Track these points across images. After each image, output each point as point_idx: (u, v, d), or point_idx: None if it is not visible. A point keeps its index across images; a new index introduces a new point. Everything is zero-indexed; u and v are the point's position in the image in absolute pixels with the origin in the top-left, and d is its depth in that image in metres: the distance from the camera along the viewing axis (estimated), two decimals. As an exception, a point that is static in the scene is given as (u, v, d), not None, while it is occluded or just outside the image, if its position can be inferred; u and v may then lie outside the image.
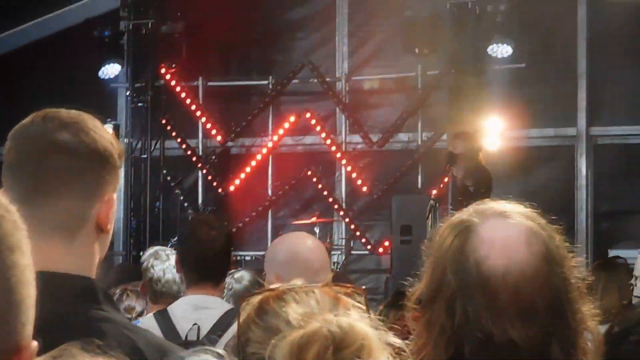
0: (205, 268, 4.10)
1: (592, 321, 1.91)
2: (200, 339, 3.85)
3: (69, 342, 1.78)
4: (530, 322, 1.84)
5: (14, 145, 2.00)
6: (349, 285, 1.68)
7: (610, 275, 6.13)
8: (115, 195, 2.06)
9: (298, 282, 1.62)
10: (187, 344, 3.33)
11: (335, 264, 12.44)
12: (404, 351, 1.55)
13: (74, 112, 2.05)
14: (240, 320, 1.60)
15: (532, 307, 1.85)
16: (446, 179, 11.37)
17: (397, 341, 1.53)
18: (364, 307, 1.59)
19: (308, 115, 13.21)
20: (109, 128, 12.73)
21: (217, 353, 1.55)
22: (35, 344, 1.00)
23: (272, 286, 1.63)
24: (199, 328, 3.88)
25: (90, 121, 2.04)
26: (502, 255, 1.88)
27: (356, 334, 1.44)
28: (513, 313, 1.84)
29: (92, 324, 1.91)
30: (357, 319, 1.49)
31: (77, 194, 1.98)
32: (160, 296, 4.99)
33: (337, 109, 13.36)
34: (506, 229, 1.94)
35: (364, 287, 1.71)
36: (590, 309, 1.92)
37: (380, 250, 12.61)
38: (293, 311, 1.54)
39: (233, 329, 3.83)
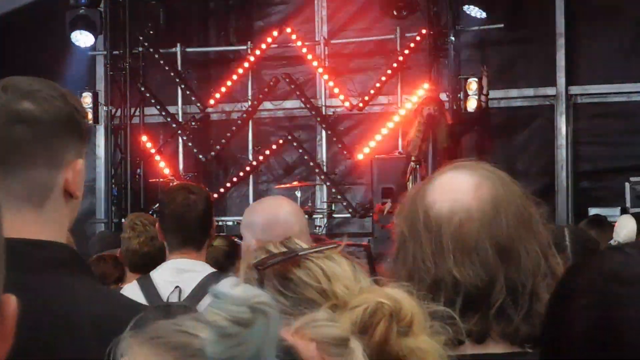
0: (185, 233, 4.12)
1: (557, 267, 1.94)
2: (181, 300, 3.86)
3: (40, 306, 1.80)
4: (475, 259, 1.87)
5: None
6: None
7: (600, 234, 6.11)
8: (81, 161, 2.04)
9: (302, 244, 1.61)
10: (168, 307, 3.36)
11: (318, 228, 12.48)
12: (454, 318, 1.54)
13: (34, 80, 2.01)
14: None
15: (476, 245, 1.88)
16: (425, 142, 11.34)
17: (440, 308, 1.52)
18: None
19: (287, 79, 13.19)
20: (87, 97, 12.76)
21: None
22: (13, 297, 1.01)
23: (281, 249, 1.60)
24: (180, 290, 3.90)
25: (52, 88, 2.02)
26: (448, 198, 1.92)
27: (407, 307, 1.42)
28: (457, 251, 1.87)
29: (63, 288, 1.91)
30: (402, 291, 1.46)
31: (42, 162, 1.96)
32: (138, 267, 5.00)
33: (317, 73, 13.33)
34: (457, 177, 1.97)
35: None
36: (554, 254, 1.94)
37: (371, 214, 12.59)
38: (330, 282, 1.51)
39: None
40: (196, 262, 4.08)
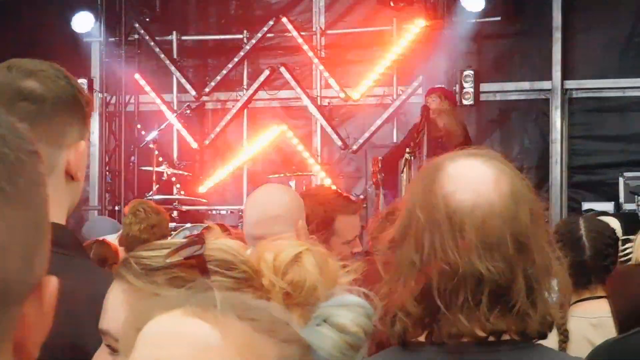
0: None
1: (557, 264, 1.94)
2: None
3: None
4: (497, 255, 1.86)
5: None
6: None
7: None
8: (83, 143, 2.04)
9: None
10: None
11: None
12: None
13: (39, 61, 2.04)
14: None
15: (498, 241, 1.87)
16: (420, 133, 11.34)
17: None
18: None
19: (283, 69, 13.16)
20: (82, 83, 12.72)
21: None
22: (54, 278, 1.00)
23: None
24: None
25: (56, 69, 2.03)
26: (469, 190, 1.90)
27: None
28: (480, 245, 1.86)
29: (62, 267, 1.91)
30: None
31: (44, 140, 1.96)
32: None
33: (313, 64, 13.31)
34: (474, 167, 1.96)
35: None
36: (555, 250, 1.94)
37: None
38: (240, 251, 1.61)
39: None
40: None
